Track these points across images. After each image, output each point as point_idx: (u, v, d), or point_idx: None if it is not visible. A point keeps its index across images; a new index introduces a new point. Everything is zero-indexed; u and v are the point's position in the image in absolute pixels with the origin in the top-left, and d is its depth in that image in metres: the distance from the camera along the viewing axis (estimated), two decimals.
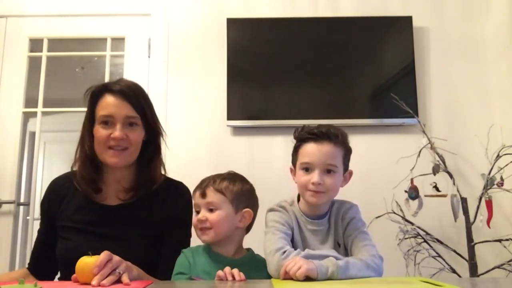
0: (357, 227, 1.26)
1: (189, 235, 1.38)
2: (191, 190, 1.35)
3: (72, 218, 1.31)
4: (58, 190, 1.38)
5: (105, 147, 1.27)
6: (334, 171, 1.24)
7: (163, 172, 1.43)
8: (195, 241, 1.33)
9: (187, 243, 1.37)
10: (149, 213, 1.33)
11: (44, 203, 1.39)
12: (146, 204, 1.34)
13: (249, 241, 1.36)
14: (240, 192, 1.29)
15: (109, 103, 1.28)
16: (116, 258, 1.05)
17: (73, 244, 1.26)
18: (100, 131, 1.28)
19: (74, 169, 1.37)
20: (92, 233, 1.28)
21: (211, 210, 1.25)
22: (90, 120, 1.32)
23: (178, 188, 1.43)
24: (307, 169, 1.25)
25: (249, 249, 1.34)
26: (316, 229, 1.28)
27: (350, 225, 1.27)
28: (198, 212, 1.28)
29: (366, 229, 1.28)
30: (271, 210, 1.32)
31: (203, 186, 1.28)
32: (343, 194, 1.35)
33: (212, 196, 1.26)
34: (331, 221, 1.30)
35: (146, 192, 1.35)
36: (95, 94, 1.31)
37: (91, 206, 1.32)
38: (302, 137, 1.28)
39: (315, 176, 1.22)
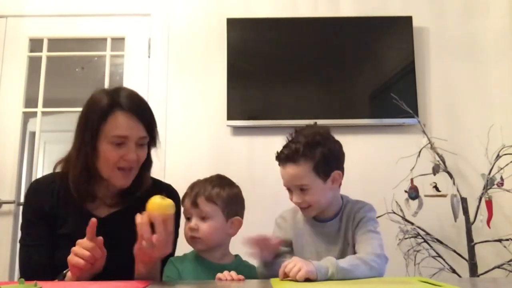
0: (365, 226, 1.26)
1: (176, 237, 1.35)
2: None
3: (67, 228, 1.27)
4: (49, 193, 1.30)
5: (114, 167, 1.24)
6: (307, 188, 1.24)
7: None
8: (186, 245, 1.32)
9: (174, 245, 1.36)
10: None
11: (38, 204, 1.30)
12: (136, 211, 1.31)
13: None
14: (230, 198, 1.28)
15: (123, 124, 1.22)
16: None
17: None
18: (111, 152, 1.22)
19: (58, 170, 1.32)
20: None
21: (202, 218, 1.25)
22: (94, 134, 1.23)
23: (166, 192, 1.40)
24: (289, 189, 1.29)
25: (236, 255, 1.34)
26: (325, 231, 1.30)
27: (360, 224, 1.27)
28: (188, 219, 1.27)
29: (376, 228, 1.26)
30: (275, 222, 1.38)
31: (193, 194, 1.26)
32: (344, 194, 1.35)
33: (204, 205, 1.24)
34: (342, 221, 1.30)
35: (134, 198, 1.32)
36: (104, 110, 1.22)
37: (84, 216, 1.25)
38: (277, 159, 1.30)
39: (294, 197, 1.27)
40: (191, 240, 1.26)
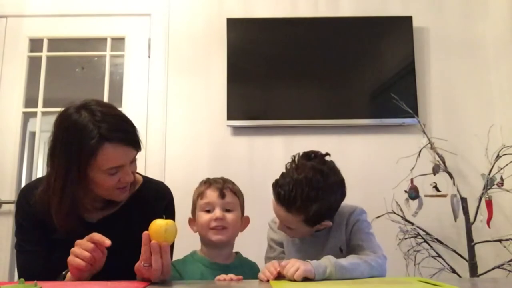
0: (361, 228, 1.26)
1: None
2: (190, 188, 1.34)
3: (60, 233, 1.24)
4: (44, 201, 1.25)
5: (112, 189, 1.23)
6: (292, 229, 1.23)
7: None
8: (186, 246, 1.33)
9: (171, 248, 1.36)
10: (132, 220, 1.28)
11: (30, 210, 1.28)
12: (129, 211, 1.31)
13: (250, 244, 1.37)
14: (243, 197, 1.33)
15: (115, 156, 1.17)
16: None
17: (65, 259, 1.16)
18: (107, 180, 1.19)
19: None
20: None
21: (227, 211, 1.27)
22: (81, 169, 1.16)
23: (158, 190, 1.40)
24: None
25: (237, 253, 1.35)
26: (314, 237, 1.29)
27: (354, 227, 1.27)
28: (208, 211, 1.27)
29: (370, 230, 1.27)
30: (269, 225, 1.38)
31: (218, 186, 1.28)
32: None
33: (230, 197, 1.28)
34: (332, 227, 1.29)
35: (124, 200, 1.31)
36: (93, 147, 1.13)
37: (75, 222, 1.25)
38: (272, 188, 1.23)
39: (279, 225, 1.26)
40: (213, 230, 1.24)
